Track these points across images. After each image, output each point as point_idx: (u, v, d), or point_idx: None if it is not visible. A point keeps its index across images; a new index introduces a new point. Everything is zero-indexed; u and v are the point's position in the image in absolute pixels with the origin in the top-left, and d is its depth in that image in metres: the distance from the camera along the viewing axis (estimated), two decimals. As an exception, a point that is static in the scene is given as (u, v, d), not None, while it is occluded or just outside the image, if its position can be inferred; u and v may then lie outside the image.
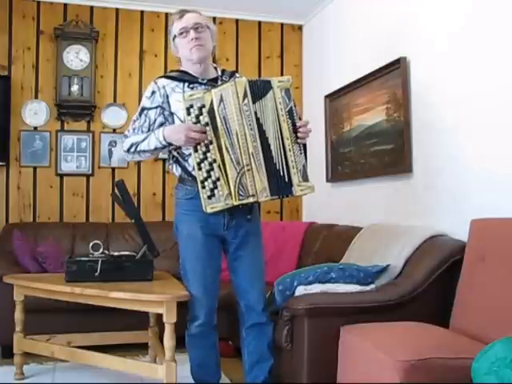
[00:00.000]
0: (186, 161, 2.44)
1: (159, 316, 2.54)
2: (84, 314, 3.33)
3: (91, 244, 2.94)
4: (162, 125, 2.47)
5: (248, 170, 2.30)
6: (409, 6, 3.29)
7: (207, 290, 2.42)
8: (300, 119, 2.40)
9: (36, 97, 4.33)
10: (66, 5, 4.40)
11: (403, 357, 1.90)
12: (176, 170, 2.51)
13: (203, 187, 2.32)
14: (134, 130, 2.49)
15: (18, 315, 2.98)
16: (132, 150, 2.47)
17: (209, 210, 2.33)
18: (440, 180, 2.99)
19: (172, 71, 2.62)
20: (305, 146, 2.40)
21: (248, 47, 4.79)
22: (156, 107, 2.46)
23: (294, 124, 2.35)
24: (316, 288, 2.55)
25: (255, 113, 2.31)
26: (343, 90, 4.01)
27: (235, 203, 2.32)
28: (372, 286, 2.61)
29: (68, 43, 4.29)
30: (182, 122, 2.39)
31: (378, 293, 2.56)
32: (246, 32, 4.79)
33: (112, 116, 4.46)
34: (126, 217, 3.13)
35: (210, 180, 2.32)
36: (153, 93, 2.47)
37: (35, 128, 4.32)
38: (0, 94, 4.12)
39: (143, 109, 2.49)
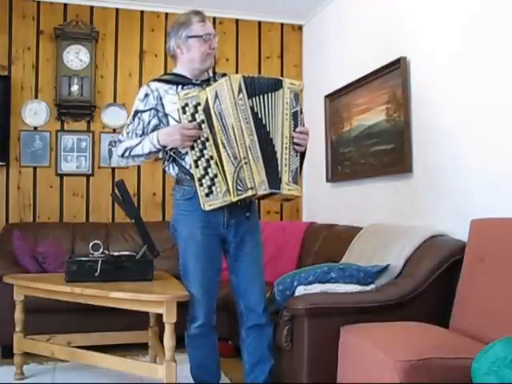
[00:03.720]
0: (183, 159, 2.43)
1: (159, 316, 2.54)
2: (84, 314, 3.33)
3: (91, 244, 2.94)
4: (156, 127, 2.46)
5: (246, 163, 2.27)
6: (409, 6, 3.29)
7: (207, 290, 2.42)
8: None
9: (36, 97, 4.33)
10: (65, 5, 4.40)
11: (403, 357, 1.90)
12: (173, 170, 2.49)
13: (201, 185, 2.32)
14: (127, 134, 2.48)
15: (18, 315, 2.98)
16: (126, 154, 2.46)
17: (207, 208, 2.33)
18: (440, 180, 2.99)
19: (164, 74, 2.64)
20: (302, 155, 2.40)
21: (248, 47, 4.79)
22: (150, 109, 2.45)
23: (295, 128, 2.35)
24: (316, 288, 2.55)
25: (251, 107, 2.30)
26: (343, 89, 4.01)
27: (233, 199, 2.31)
28: (372, 286, 2.61)
29: (68, 43, 4.28)
30: (177, 122, 2.39)
31: (378, 293, 2.56)
32: (246, 32, 4.78)
33: (112, 116, 4.45)
34: (125, 217, 3.12)
35: (207, 177, 2.31)
36: (146, 95, 2.46)
37: (35, 128, 4.32)
38: (0, 94, 4.12)
39: (137, 112, 2.48)
